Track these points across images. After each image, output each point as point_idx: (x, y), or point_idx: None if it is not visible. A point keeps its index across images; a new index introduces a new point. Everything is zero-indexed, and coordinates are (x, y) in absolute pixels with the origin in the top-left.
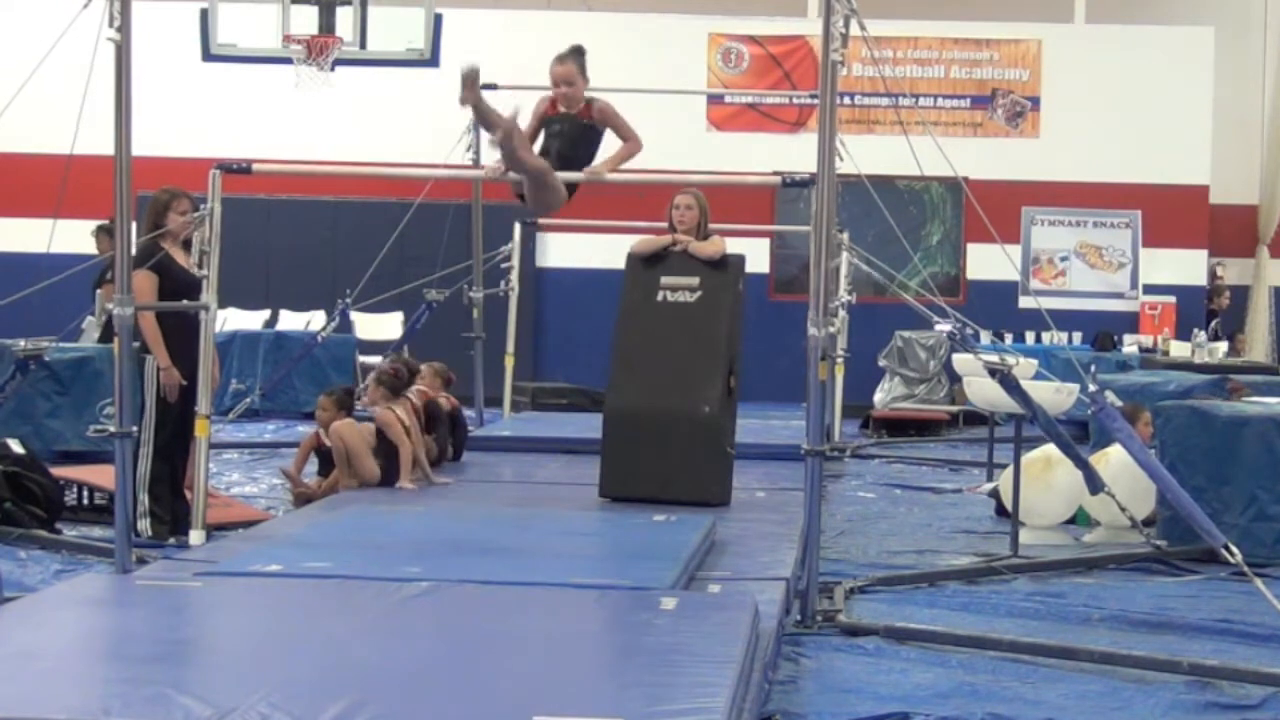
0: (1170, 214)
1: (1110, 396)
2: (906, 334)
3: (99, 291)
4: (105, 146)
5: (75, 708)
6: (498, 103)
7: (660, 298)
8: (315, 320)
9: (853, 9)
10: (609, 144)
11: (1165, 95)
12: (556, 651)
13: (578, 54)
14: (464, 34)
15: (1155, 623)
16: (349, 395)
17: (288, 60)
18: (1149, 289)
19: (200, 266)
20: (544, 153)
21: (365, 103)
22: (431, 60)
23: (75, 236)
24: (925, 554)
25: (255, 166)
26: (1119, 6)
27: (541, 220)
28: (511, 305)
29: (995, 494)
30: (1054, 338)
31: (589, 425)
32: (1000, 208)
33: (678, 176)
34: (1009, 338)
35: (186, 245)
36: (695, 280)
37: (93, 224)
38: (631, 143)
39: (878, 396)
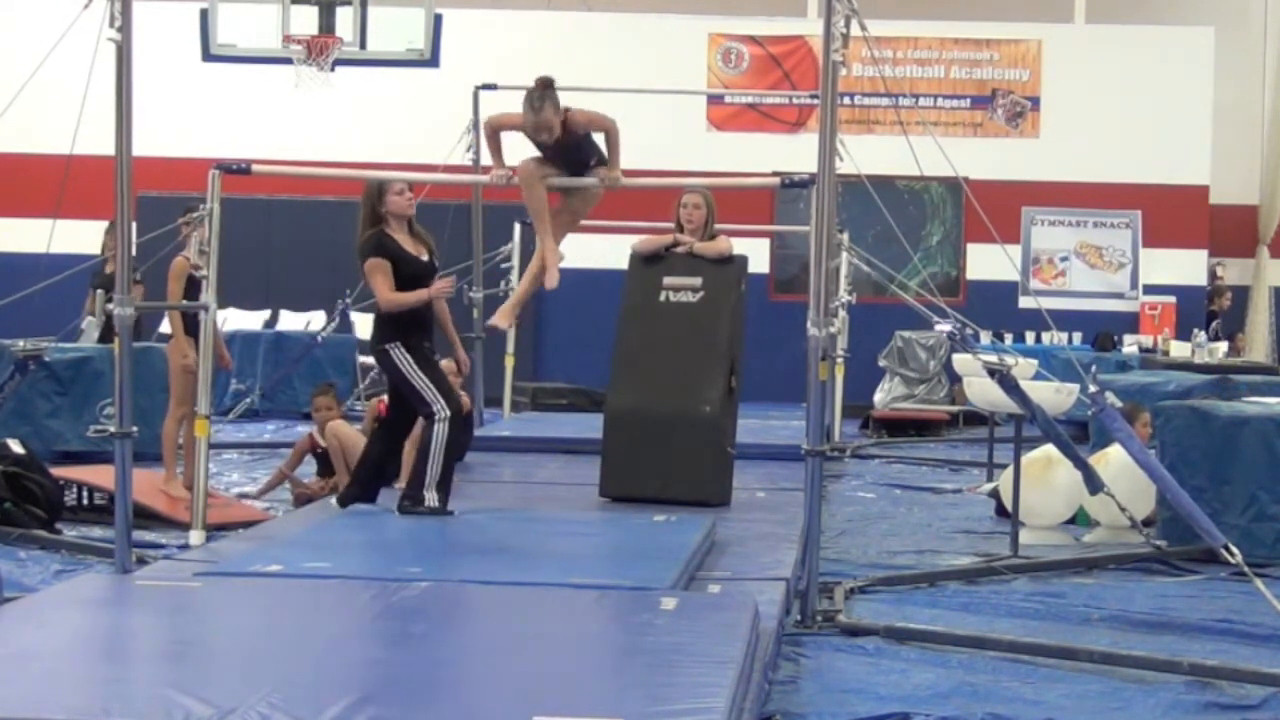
0: (1170, 214)
1: (1110, 397)
2: (906, 334)
3: (98, 292)
4: (105, 146)
5: (75, 708)
6: (497, 102)
7: (662, 298)
8: (315, 320)
9: (853, 9)
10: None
11: (1165, 95)
12: (556, 651)
13: (548, 92)
14: (464, 34)
15: (1155, 623)
16: (332, 387)
17: (288, 60)
18: (1149, 289)
19: (200, 267)
20: (549, 162)
21: (365, 103)
22: (431, 60)
23: (75, 236)
24: (925, 554)
25: (255, 167)
26: (1119, 6)
27: None
28: None
29: (995, 494)
30: (1054, 338)
31: (589, 425)
32: (1000, 208)
33: (678, 178)
34: (1009, 338)
35: (411, 230)
36: (697, 280)
37: (92, 224)
38: (610, 130)
39: (878, 396)
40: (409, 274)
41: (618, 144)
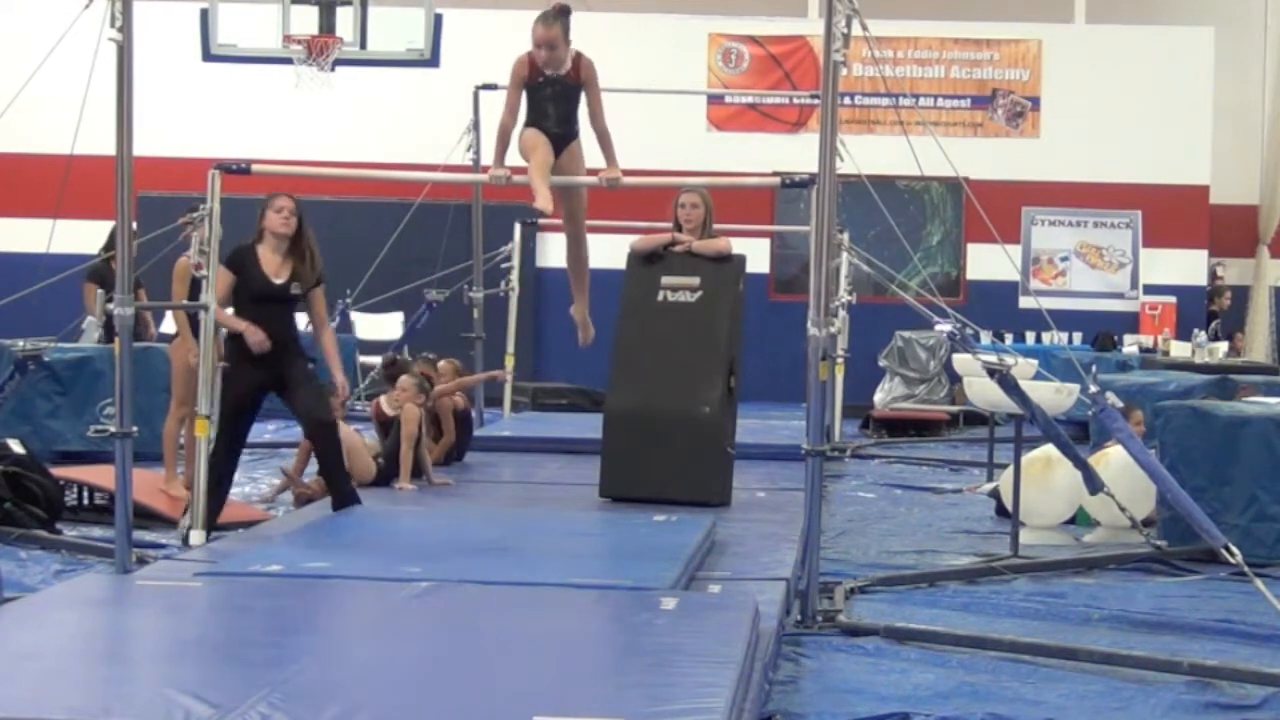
0: (1170, 214)
1: (1111, 397)
2: (906, 334)
3: (99, 291)
4: (105, 146)
5: (75, 708)
6: (497, 102)
7: (661, 298)
8: None
9: (854, 9)
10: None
11: (1165, 95)
12: (556, 651)
13: (563, 15)
14: (464, 34)
15: (1155, 623)
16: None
17: (288, 60)
18: (1149, 289)
19: (200, 267)
20: (540, 116)
21: (365, 103)
22: (431, 60)
23: (75, 236)
24: (925, 554)
25: (255, 167)
26: (1119, 6)
27: (541, 220)
28: (511, 305)
29: (995, 494)
30: (1054, 338)
31: (589, 425)
32: (1000, 208)
33: (678, 178)
34: (1009, 338)
35: (295, 250)
36: (695, 280)
37: (92, 224)
38: (605, 125)
39: (878, 396)
40: (254, 296)
41: (611, 144)
